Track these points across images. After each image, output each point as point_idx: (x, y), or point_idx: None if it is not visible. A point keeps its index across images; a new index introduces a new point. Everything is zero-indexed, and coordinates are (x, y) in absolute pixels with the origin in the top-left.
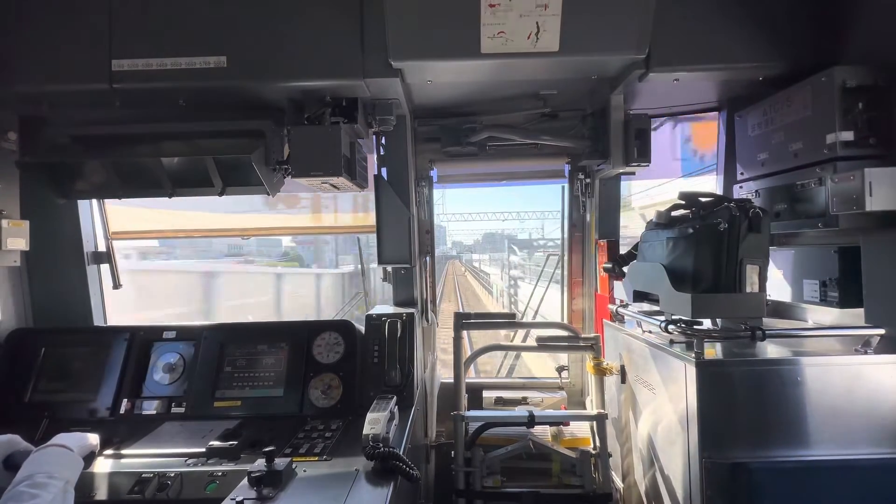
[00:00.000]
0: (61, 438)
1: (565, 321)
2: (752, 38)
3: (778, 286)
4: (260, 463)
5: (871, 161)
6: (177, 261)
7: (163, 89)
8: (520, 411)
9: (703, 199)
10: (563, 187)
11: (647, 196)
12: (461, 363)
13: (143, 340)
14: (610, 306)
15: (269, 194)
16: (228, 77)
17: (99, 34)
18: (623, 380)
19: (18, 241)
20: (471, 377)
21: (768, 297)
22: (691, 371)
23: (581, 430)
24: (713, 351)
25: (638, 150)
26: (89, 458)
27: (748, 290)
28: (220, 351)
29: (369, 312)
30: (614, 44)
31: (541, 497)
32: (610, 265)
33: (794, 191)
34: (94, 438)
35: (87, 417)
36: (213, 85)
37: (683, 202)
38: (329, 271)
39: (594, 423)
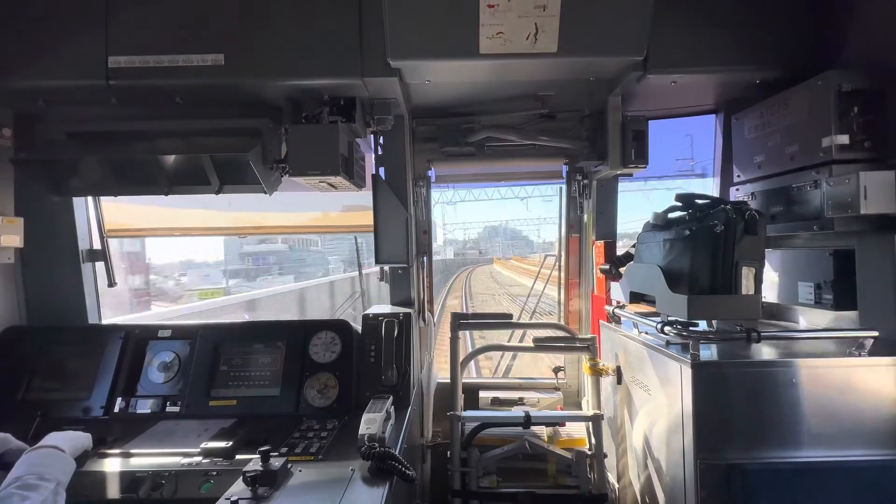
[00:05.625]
0: (53, 438)
1: (562, 322)
2: (749, 41)
3: (773, 288)
4: (255, 462)
5: (866, 164)
6: None
7: (159, 86)
8: (516, 412)
9: (700, 201)
10: (560, 188)
11: None
12: (458, 363)
13: (138, 339)
14: (606, 307)
15: (266, 193)
16: (226, 75)
17: (96, 30)
18: (619, 381)
19: (13, 238)
20: (468, 378)
21: (763, 299)
22: (687, 372)
23: (577, 430)
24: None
25: (635, 151)
26: (82, 457)
27: (744, 292)
28: (216, 350)
29: (366, 312)
30: (612, 46)
31: (537, 497)
32: (607, 266)
33: (789, 193)
34: (86, 438)
35: (81, 416)
36: (210, 83)
37: (680, 204)
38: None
39: (590, 423)
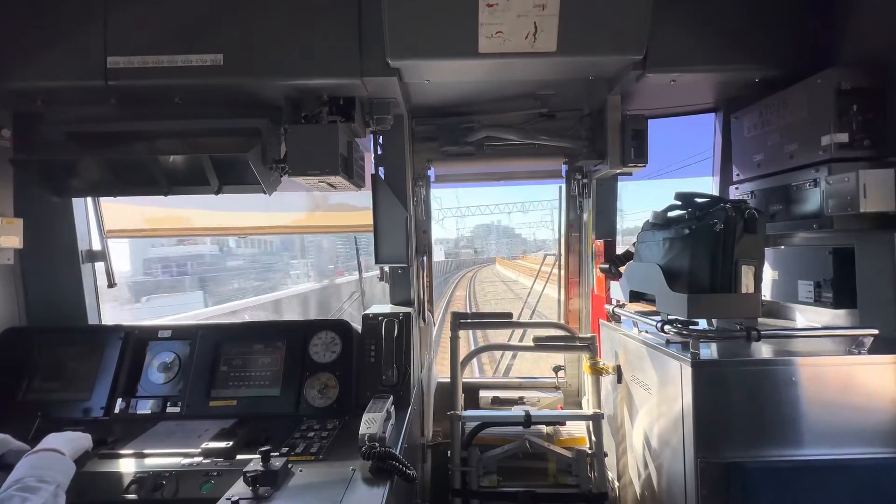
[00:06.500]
0: (53, 440)
1: (562, 321)
2: (748, 40)
3: (773, 287)
4: (256, 462)
5: (865, 163)
6: None
7: (158, 87)
8: (516, 411)
9: (699, 200)
10: (559, 187)
11: None
12: (458, 363)
13: (137, 339)
14: (606, 306)
15: (265, 193)
16: (225, 75)
17: (94, 30)
18: (619, 380)
19: (12, 239)
20: (469, 377)
21: (763, 298)
22: (687, 371)
23: (577, 429)
24: None
25: (635, 150)
26: (82, 458)
27: (743, 290)
28: (216, 350)
29: (366, 312)
30: (612, 44)
31: (537, 496)
32: (607, 265)
33: (789, 192)
34: (86, 438)
35: (81, 417)
36: (209, 83)
37: (679, 203)
38: None
39: (590, 422)
